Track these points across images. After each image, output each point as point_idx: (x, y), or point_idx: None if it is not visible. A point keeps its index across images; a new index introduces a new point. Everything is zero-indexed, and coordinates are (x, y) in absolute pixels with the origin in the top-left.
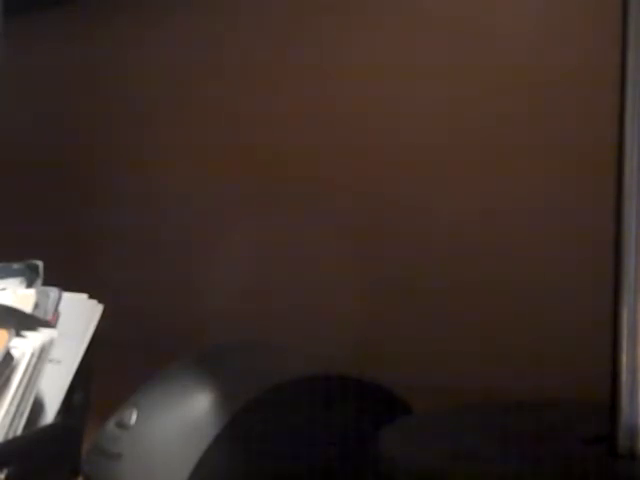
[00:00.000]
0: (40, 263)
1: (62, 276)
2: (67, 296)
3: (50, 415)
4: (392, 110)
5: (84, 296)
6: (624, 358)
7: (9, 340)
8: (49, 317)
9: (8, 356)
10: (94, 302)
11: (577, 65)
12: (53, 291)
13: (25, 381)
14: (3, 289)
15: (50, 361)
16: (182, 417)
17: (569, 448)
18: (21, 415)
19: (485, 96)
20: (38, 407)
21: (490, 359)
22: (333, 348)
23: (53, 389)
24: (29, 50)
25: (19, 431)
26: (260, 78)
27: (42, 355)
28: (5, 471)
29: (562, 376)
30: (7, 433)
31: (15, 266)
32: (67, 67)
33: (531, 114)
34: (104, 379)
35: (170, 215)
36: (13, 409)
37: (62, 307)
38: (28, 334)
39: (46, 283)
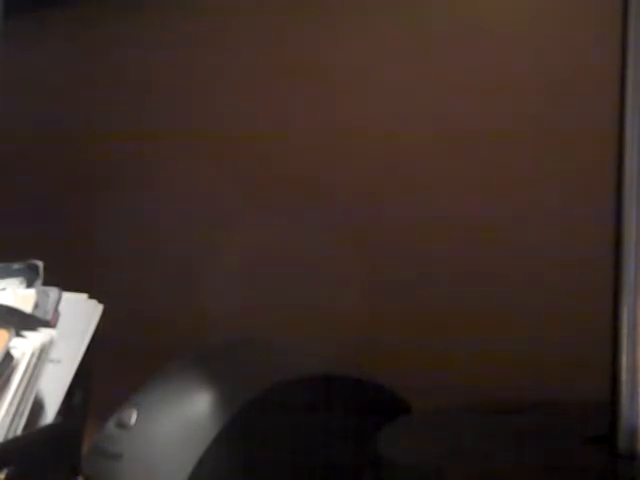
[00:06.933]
0: (40, 263)
1: (62, 276)
2: (67, 296)
3: (50, 415)
4: (392, 110)
5: (84, 296)
6: (624, 358)
7: (9, 340)
8: (49, 317)
9: (8, 356)
10: (94, 302)
11: (577, 69)
12: (53, 291)
13: (25, 381)
14: (3, 289)
15: (50, 361)
16: (182, 417)
17: (569, 448)
18: (21, 415)
19: (485, 97)
20: (38, 407)
21: (490, 359)
22: (333, 348)
23: (53, 389)
24: (29, 50)
25: (19, 431)
26: (260, 78)
27: (42, 355)
28: (5, 471)
29: (562, 376)
30: (7, 433)
31: (15, 266)
32: (67, 67)
33: (531, 115)
34: (104, 379)
35: (170, 215)
36: (13, 409)
37: (62, 307)
38: (28, 334)
39: (46, 283)
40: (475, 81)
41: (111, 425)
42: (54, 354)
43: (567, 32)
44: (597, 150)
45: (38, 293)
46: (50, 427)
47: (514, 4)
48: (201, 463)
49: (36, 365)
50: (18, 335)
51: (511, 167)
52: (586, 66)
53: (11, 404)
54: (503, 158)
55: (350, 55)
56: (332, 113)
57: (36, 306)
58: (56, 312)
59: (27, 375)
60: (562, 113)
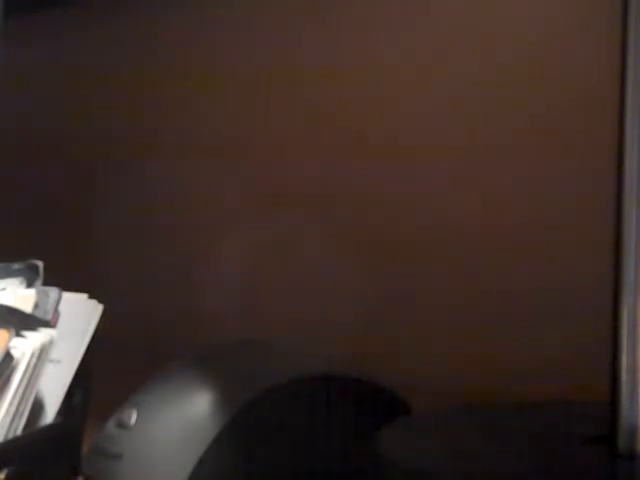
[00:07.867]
0: (40, 263)
1: (62, 276)
2: (67, 296)
3: (50, 415)
4: (392, 112)
5: (84, 296)
6: (624, 358)
7: (9, 340)
8: (49, 317)
9: (8, 356)
10: (94, 302)
11: (577, 70)
12: (53, 291)
13: (25, 381)
14: (3, 289)
15: (50, 361)
16: (182, 417)
17: (569, 448)
18: (21, 415)
19: (485, 100)
20: (38, 407)
21: (490, 359)
22: (333, 348)
23: (53, 389)
24: (29, 50)
25: (19, 431)
26: (259, 77)
27: (42, 355)
28: (5, 471)
29: (562, 376)
30: (7, 433)
31: (15, 266)
32: (67, 67)
33: (531, 117)
34: (104, 379)
35: (170, 215)
36: (13, 409)
37: (62, 307)
38: (28, 334)
39: (46, 283)
40: (475, 84)
41: (111, 425)
42: (54, 354)
43: (567, 33)
44: (597, 150)
45: (38, 293)
46: (50, 427)
47: (514, 5)
48: (201, 463)
49: (36, 365)
50: (18, 335)
51: (511, 171)
52: (586, 66)
53: (11, 404)
54: (503, 158)
55: (351, 57)
56: (333, 114)
57: (36, 306)
58: (56, 312)
59: (27, 375)
60: (562, 114)
